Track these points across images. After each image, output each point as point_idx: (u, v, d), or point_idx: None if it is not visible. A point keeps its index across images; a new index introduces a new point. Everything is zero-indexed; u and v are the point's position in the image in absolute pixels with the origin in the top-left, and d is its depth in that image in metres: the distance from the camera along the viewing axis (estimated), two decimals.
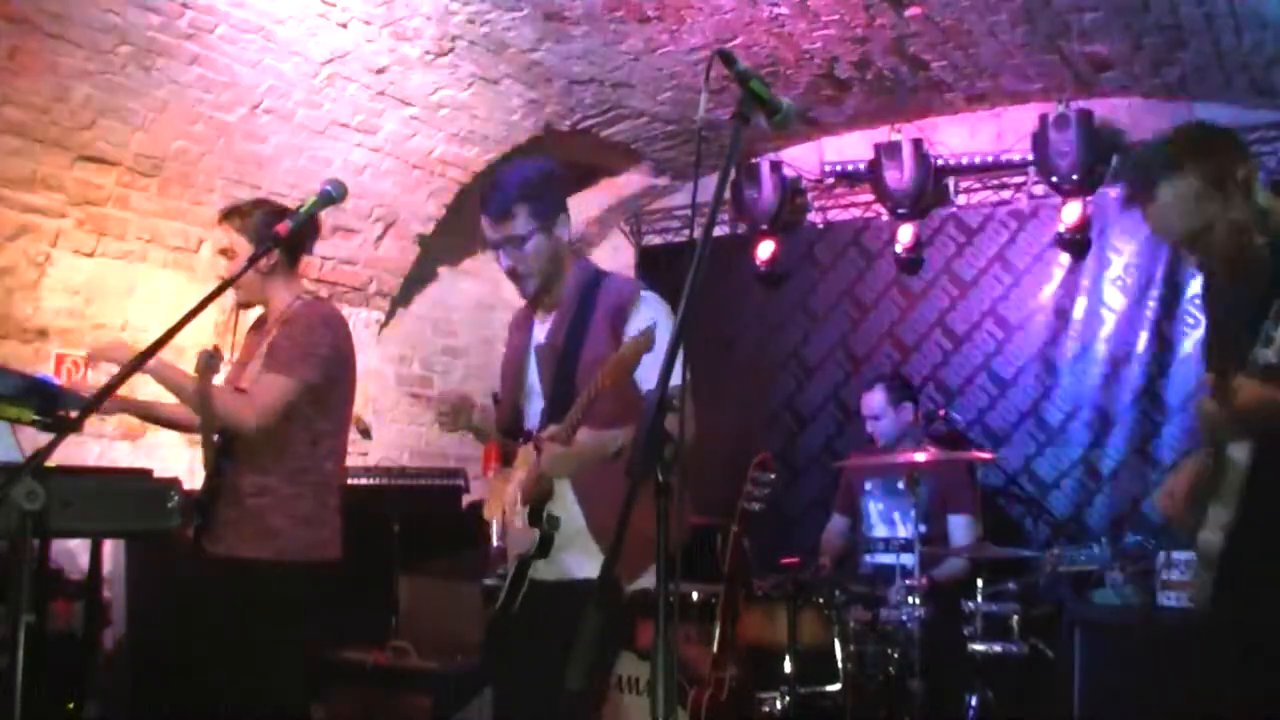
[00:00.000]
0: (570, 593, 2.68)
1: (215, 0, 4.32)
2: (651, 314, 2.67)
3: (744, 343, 6.40)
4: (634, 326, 2.61)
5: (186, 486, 3.54)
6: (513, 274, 2.82)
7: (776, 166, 6.19)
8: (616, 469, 2.51)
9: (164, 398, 3.24)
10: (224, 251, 3.29)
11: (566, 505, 2.73)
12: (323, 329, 3.22)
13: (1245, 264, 2.42)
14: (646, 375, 2.47)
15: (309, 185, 5.00)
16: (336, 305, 3.74)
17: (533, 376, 2.91)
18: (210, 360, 3.11)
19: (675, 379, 1.93)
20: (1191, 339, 5.19)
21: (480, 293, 6.77)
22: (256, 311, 3.44)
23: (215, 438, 3.22)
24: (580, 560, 2.74)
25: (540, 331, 2.92)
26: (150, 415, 3.43)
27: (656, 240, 6.95)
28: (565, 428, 2.55)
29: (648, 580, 2.62)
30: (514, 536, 2.82)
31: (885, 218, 6.03)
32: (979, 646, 4.29)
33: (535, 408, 2.90)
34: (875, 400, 5.05)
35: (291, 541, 3.14)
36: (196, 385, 3.07)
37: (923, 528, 4.52)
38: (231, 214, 3.30)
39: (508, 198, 2.75)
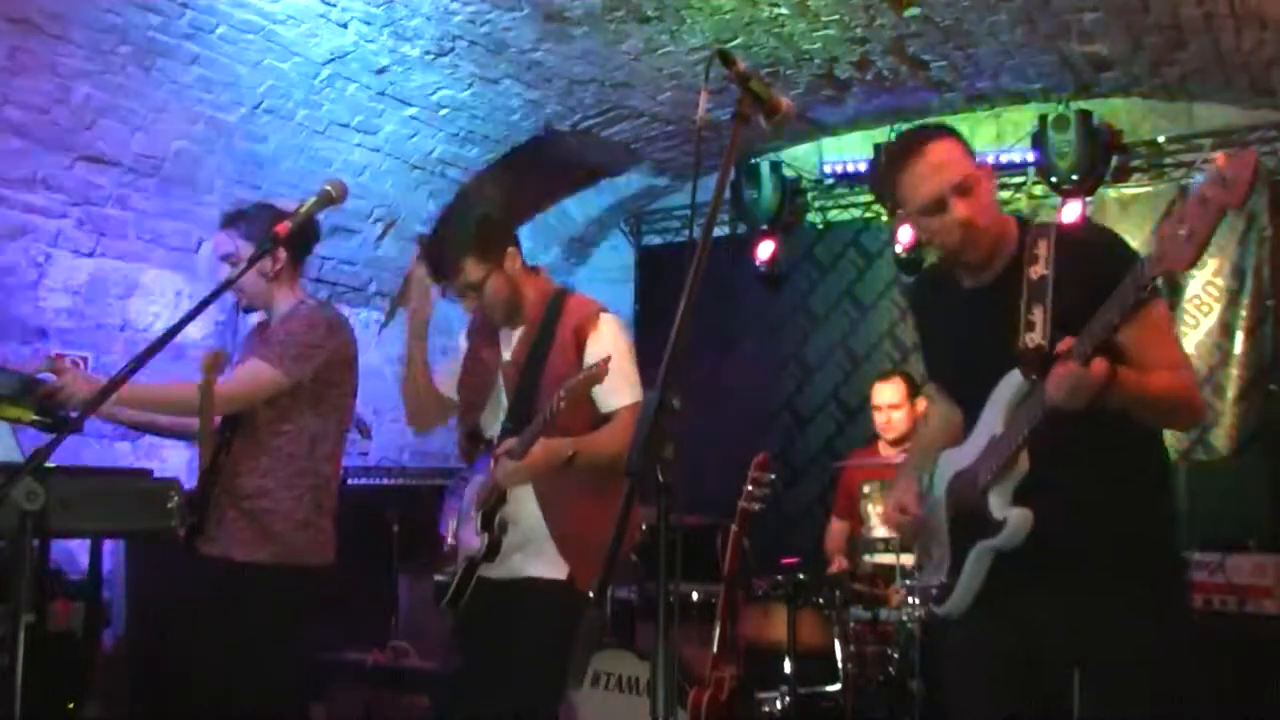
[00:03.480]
0: (516, 589, 2.89)
1: (215, 0, 4.32)
2: (609, 336, 2.87)
3: (744, 343, 6.39)
4: (592, 351, 2.82)
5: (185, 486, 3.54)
6: (480, 312, 3.02)
7: (776, 166, 6.18)
8: (576, 479, 2.79)
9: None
10: (227, 258, 3.24)
11: (530, 510, 2.89)
12: (325, 331, 3.21)
13: None
14: (603, 395, 2.78)
15: (309, 185, 4.95)
16: (337, 305, 3.73)
17: (501, 391, 3.05)
18: (216, 360, 3.12)
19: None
20: (1191, 339, 5.18)
21: None
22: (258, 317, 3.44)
23: (214, 436, 3.22)
24: (531, 560, 2.90)
25: (506, 350, 3.06)
26: (144, 424, 3.44)
27: (656, 240, 6.95)
28: (520, 444, 2.73)
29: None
30: (465, 538, 3.01)
31: (885, 218, 6.03)
32: None
33: (497, 421, 3.02)
34: (897, 391, 5.01)
35: (289, 545, 3.13)
36: (198, 385, 3.08)
37: None
38: (235, 218, 3.25)
39: (449, 256, 2.91)
